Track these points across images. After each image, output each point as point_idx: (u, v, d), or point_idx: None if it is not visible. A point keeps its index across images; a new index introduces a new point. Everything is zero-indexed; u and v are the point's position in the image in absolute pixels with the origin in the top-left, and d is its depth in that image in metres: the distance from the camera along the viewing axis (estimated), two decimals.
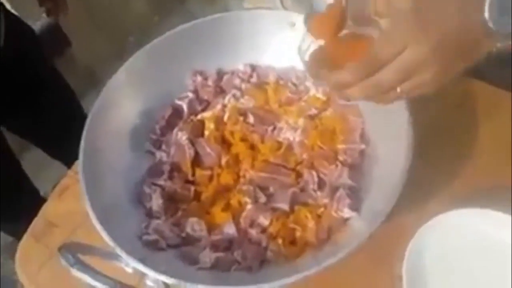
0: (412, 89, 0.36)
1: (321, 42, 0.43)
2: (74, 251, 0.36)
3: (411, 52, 0.34)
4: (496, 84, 0.61)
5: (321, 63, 0.41)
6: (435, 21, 0.34)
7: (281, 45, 0.59)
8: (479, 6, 0.34)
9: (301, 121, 0.55)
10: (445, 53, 0.35)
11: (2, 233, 1.26)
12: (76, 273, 0.35)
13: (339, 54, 0.41)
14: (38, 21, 1.29)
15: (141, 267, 0.41)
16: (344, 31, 0.42)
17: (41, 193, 1.17)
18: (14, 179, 1.09)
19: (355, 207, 0.47)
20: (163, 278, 0.40)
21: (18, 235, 0.71)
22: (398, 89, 0.36)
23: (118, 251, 0.42)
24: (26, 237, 0.62)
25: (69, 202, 0.64)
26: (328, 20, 0.42)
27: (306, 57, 0.43)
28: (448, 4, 0.35)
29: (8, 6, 1.19)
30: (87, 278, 0.34)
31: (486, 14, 0.34)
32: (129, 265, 0.41)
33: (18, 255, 0.61)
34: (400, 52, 0.35)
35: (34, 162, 1.26)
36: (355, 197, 0.48)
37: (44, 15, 1.10)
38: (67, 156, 0.76)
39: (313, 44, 0.43)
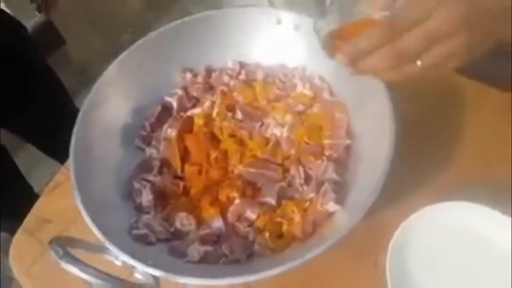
0: (434, 63, 0.34)
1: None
2: (64, 245, 0.37)
3: (438, 19, 0.32)
4: (480, 78, 0.62)
5: (338, 37, 0.38)
6: None
7: (269, 42, 0.60)
8: None
9: (288, 117, 0.56)
10: (473, 24, 0.32)
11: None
12: (65, 265, 0.36)
13: (356, 31, 0.37)
14: (31, 19, 1.29)
15: (130, 260, 0.42)
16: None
17: (36, 190, 1.18)
18: (8, 175, 1.10)
19: (340, 201, 0.48)
20: (152, 271, 0.41)
21: (12, 231, 0.71)
22: (419, 62, 0.34)
23: (108, 244, 0.43)
24: (19, 232, 0.63)
25: (62, 198, 0.64)
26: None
27: (323, 32, 0.40)
28: None
29: (1, 4, 1.19)
30: (75, 271, 0.35)
31: None
32: (119, 258, 0.42)
33: (12, 250, 0.62)
34: (426, 18, 0.32)
35: (28, 159, 1.27)
36: (340, 191, 0.49)
37: (36, 12, 1.10)
38: (60, 153, 0.76)
39: (327, 25, 0.41)
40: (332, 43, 0.39)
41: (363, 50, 0.34)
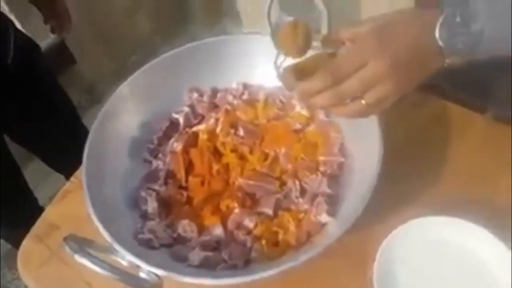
0: (374, 101, 0.41)
1: (293, 59, 0.48)
2: (78, 242, 0.40)
3: (371, 66, 0.40)
4: (465, 105, 0.67)
5: (293, 75, 0.46)
6: (391, 41, 0.40)
7: (270, 66, 0.65)
8: (431, 27, 0.39)
9: (286, 135, 0.61)
10: (401, 68, 0.40)
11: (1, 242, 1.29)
12: (79, 259, 0.39)
13: (309, 68, 0.45)
14: (45, 39, 1.34)
15: (136, 260, 0.45)
16: (311, 52, 0.48)
17: (40, 203, 1.21)
18: (15, 187, 1.13)
19: (332, 213, 0.52)
20: (155, 270, 0.45)
21: (16, 243, 0.74)
22: (363, 101, 0.41)
23: (116, 246, 0.47)
24: (28, 238, 0.66)
25: (70, 206, 0.68)
26: (292, 39, 0.48)
27: (281, 70, 0.49)
28: (403, 27, 0.41)
29: (18, 24, 1.26)
30: (88, 263, 0.39)
31: (437, 34, 0.39)
32: (125, 258, 0.46)
33: (20, 254, 0.64)
34: (362, 66, 0.40)
35: (35, 172, 1.30)
36: (333, 204, 0.53)
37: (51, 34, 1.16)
38: (66, 168, 0.80)
39: (286, 60, 0.49)
40: (290, 78, 0.47)
41: (311, 90, 0.42)
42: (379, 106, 0.42)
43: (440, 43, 0.40)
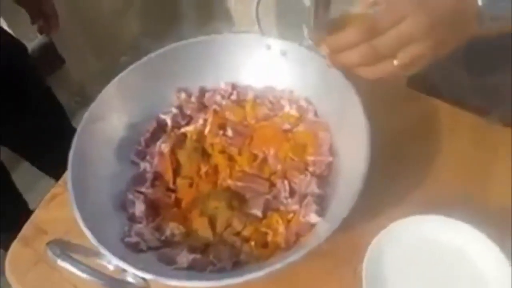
0: (407, 62, 0.39)
1: None
2: (61, 246, 0.40)
3: (409, 23, 0.37)
4: (455, 102, 0.67)
5: (324, 29, 0.43)
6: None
7: (259, 66, 0.65)
8: None
9: (275, 135, 0.60)
10: (439, 29, 0.38)
11: None
12: (62, 263, 0.38)
13: (341, 23, 0.43)
14: (34, 40, 1.33)
15: (122, 264, 0.44)
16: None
17: (30, 206, 1.20)
18: (4, 191, 1.12)
19: (321, 213, 0.52)
20: (142, 274, 0.44)
21: (5, 247, 0.73)
22: (395, 62, 0.39)
23: (102, 250, 0.46)
24: (16, 242, 0.65)
25: (57, 209, 0.67)
26: None
27: (311, 23, 0.45)
28: None
29: (4, 25, 1.24)
30: (71, 268, 0.38)
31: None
32: (111, 262, 0.45)
33: (8, 258, 0.63)
34: (399, 21, 0.38)
35: (25, 176, 1.29)
36: (321, 204, 0.53)
37: (39, 35, 1.15)
38: (55, 170, 0.79)
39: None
40: (320, 31, 0.44)
41: (343, 44, 0.39)
42: (411, 67, 0.40)
43: (480, 3, 0.38)
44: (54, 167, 0.82)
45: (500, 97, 0.65)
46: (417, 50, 0.39)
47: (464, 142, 0.64)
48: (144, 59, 0.64)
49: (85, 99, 1.54)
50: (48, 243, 0.40)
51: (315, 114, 0.62)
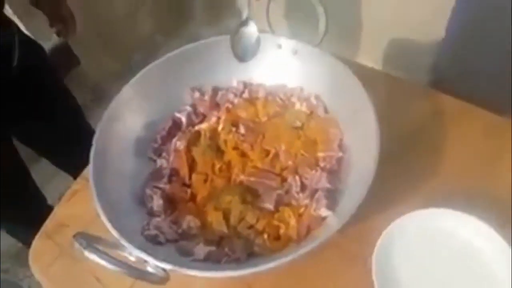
0: None
1: None
2: (87, 239, 0.42)
3: None
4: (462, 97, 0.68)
5: None
6: None
7: (270, 65, 0.67)
8: None
9: (286, 132, 0.62)
10: None
11: (12, 240, 1.32)
12: (88, 254, 0.41)
13: None
14: (49, 41, 1.36)
15: (143, 255, 0.47)
16: None
17: (49, 202, 1.24)
18: (24, 187, 1.16)
19: (331, 207, 0.53)
20: (163, 265, 0.46)
21: (26, 242, 0.76)
22: None
23: (124, 242, 0.48)
24: (39, 236, 0.68)
25: (78, 205, 0.70)
26: None
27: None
28: None
29: (22, 27, 1.28)
30: (98, 259, 0.41)
31: None
32: (132, 254, 0.48)
33: (31, 251, 0.67)
34: None
35: (44, 172, 1.33)
36: (332, 198, 0.54)
37: (54, 35, 1.18)
38: (73, 167, 0.82)
39: None
40: None
41: None
42: None
43: None
44: (72, 164, 0.85)
45: None
46: None
47: (473, 136, 0.65)
48: (159, 60, 0.66)
49: (100, 98, 1.57)
50: (74, 235, 0.43)
51: (325, 110, 0.63)
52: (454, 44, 0.80)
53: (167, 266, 0.46)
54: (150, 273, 0.45)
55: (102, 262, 0.40)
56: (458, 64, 0.78)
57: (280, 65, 0.66)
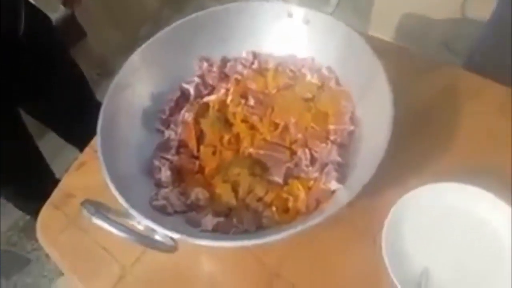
0: None
1: None
2: (95, 206, 0.42)
3: None
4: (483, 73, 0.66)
5: None
6: None
7: (280, 34, 0.65)
8: None
9: (297, 104, 0.61)
10: None
11: (19, 213, 1.33)
12: (96, 221, 0.41)
13: None
14: (55, 12, 1.34)
15: (152, 224, 0.47)
16: None
17: (56, 176, 1.24)
18: (32, 160, 1.16)
19: (341, 180, 0.53)
20: (172, 234, 0.46)
21: (34, 214, 0.76)
22: None
23: (132, 212, 0.48)
24: (46, 206, 0.68)
25: (85, 175, 0.70)
26: None
27: None
28: None
29: None
30: (105, 225, 0.40)
31: None
32: (141, 223, 0.47)
33: (38, 222, 0.67)
34: None
35: (52, 146, 1.33)
36: (342, 171, 0.54)
37: (61, 7, 1.16)
38: (80, 140, 0.82)
39: None
40: None
41: None
42: None
43: None
44: (79, 136, 0.85)
45: None
46: None
47: (489, 112, 0.63)
48: (166, 29, 0.64)
49: (106, 71, 1.56)
50: (82, 202, 0.42)
51: (337, 82, 0.62)
52: (500, 29, 0.75)
53: (176, 235, 0.46)
54: (159, 242, 0.44)
55: (111, 229, 0.40)
56: (501, 51, 0.74)
57: (290, 34, 0.64)
